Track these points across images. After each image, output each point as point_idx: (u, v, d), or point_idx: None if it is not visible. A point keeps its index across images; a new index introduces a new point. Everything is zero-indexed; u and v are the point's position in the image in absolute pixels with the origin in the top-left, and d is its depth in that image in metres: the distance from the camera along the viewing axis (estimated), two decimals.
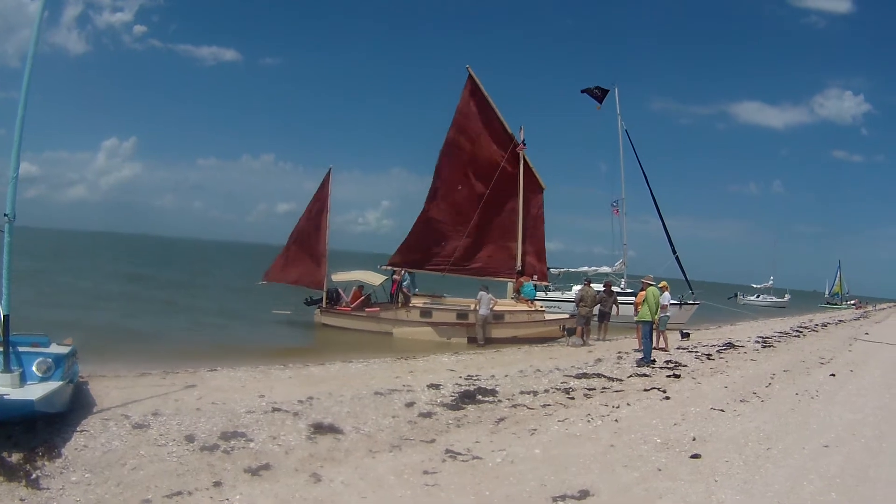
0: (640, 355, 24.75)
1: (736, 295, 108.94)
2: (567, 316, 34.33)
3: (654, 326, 25.73)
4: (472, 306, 33.09)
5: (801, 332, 43.10)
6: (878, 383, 21.50)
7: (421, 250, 36.97)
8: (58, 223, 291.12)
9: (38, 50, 13.34)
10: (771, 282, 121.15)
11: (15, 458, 10.52)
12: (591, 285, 33.74)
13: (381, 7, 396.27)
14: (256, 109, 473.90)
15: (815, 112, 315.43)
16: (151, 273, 75.82)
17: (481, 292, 32.61)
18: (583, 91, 49.29)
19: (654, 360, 24.09)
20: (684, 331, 33.37)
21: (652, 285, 26.71)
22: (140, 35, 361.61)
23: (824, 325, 54.73)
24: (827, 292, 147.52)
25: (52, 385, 12.42)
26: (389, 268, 36.97)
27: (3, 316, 12.44)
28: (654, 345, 26.58)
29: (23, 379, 12.30)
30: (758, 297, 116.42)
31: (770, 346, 31.17)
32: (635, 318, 26.78)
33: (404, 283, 35.61)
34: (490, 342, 31.64)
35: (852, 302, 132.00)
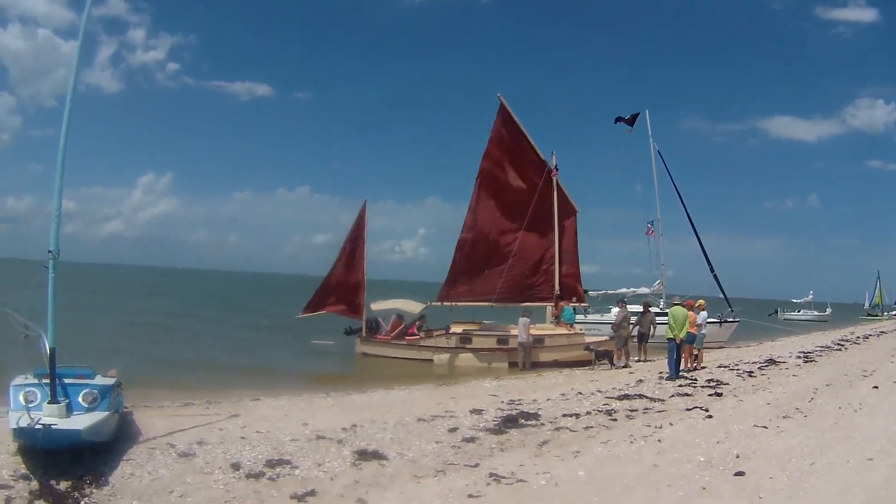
0: (686, 374, 24.95)
1: (776, 311, 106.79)
2: (596, 339, 34.02)
3: (679, 343, 25.90)
4: (512, 331, 32.97)
5: (842, 345, 42.43)
6: None
7: (466, 282, 36.92)
8: (94, 258, 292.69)
9: (76, 93, 13.57)
10: (811, 296, 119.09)
11: (63, 486, 10.64)
12: (628, 306, 33.63)
13: (412, 37, 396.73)
14: (291, 143, 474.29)
15: (847, 123, 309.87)
16: (189, 305, 76.29)
17: (522, 318, 32.44)
18: (616, 120, 49.16)
19: (683, 377, 24.44)
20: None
21: (678, 304, 27.31)
22: (173, 73, 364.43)
23: (866, 337, 53.85)
24: (867, 304, 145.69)
25: (98, 415, 12.55)
26: (439, 304, 37.01)
27: (50, 349, 12.62)
28: (696, 364, 26.75)
29: (69, 410, 12.43)
30: (799, 312, 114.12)
31: (812, 361, 30.80)
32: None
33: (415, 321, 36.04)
34: (532, 366, 31.50)
35: (895, 312, 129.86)
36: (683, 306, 26.98)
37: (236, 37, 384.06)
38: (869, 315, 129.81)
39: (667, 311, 31.46)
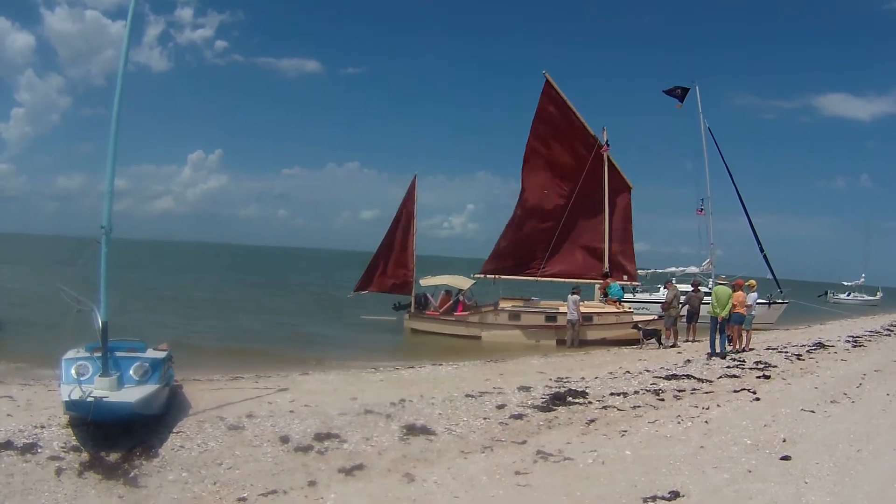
0: (734, 355, 24.98)
1: (826, 293, 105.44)
2: (644, 318, 33.83)
3: (722, 322, 26.13)
4: (561, 308, 32.93)
5: (892, 330, 41.37)
6: None
7: (513, 257, 36.90)
8: (145, 234, 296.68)
9: (126, 72, 13.70)
10: (862, 279, 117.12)
11: (113, 457, 10.80)
12: (677, 286, 33.43)
13: (460, 11, 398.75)
14: (340, 118, 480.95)
15: None
16: (239, 281, 77.08)
17: (572, 295, 32.40)
18: (664, 92, 48.49)
19: (732, 358, 24.29)
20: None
21: (722, 284, 27.87)
22: (221, 50, 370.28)
23: None
24: None
25: (149, 388, 12.74)
26: (483, 277, 37.04)
27: (102, 323, 12.78)
28: (745, 345, 26.85)
29: (120, 382, 12.61)
30: (848, 295, 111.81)
31: (861, 346, 30.30)
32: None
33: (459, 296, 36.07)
34: (580, 344, 31.50)
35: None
36: (733, 286, 26.92)
37: (285, 13, 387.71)
38: None
39: None
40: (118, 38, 15.00)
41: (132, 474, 10.35)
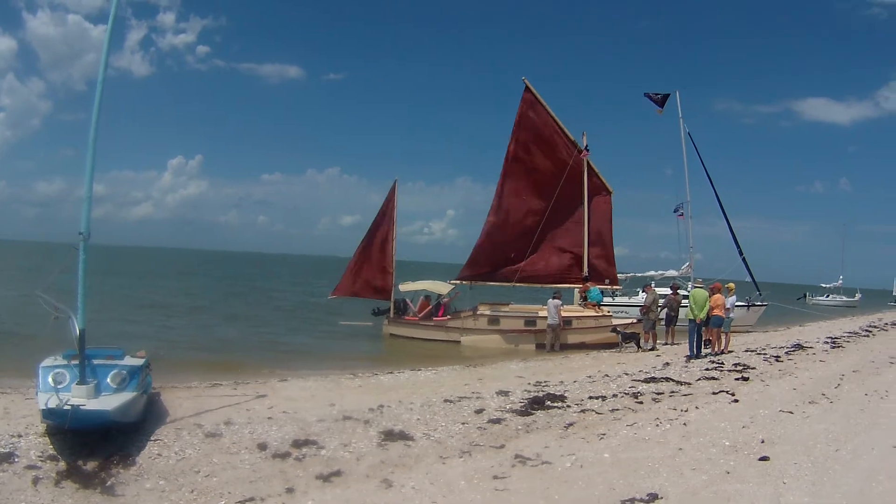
0: (713, 357, 25.19)
1: (805, 295, 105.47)
2: (623, 322, 33.93)
3: (700, 324, 26.40)
4: (540, 313, 32.98)
5: (870, 331, 41.69)
6: None
7: (489, 263, 36.89)
8: (124, 240, 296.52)
9: (106, 77, 13.68)
10: (840, 281, 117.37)
11: (90, 466, 10.78)
12: (656, 289, 33.52)
13: (443, 16, 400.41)
14: (321, 124, 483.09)
15: (880, 106, 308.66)
16: (218, 287, 76.93)
17: (553, 299, 32.45)
18: (645, 95, 48.50)
19: (711, 361, 24.38)
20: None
21: (699, 287, 28.51)
22: (203, 55, 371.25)
23: (894, 323, 52.81)
24: None
25: (127, 396, 12.70)
26: (459, 282, 37.02)
27: (80, 330, 12.73)
28: (723, 347, 27.01)
29: (98, 390, 12.57)
30: (827, 297, 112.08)
31: (839, 347, 30.34)
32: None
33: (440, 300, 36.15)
34: (559, 348, 31.55)
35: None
36: (712, 289, 27.05)
37: (267, 18, 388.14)
38: None
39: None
40: (100, 43, 15.09)
41: (109, 483, 10.32)
